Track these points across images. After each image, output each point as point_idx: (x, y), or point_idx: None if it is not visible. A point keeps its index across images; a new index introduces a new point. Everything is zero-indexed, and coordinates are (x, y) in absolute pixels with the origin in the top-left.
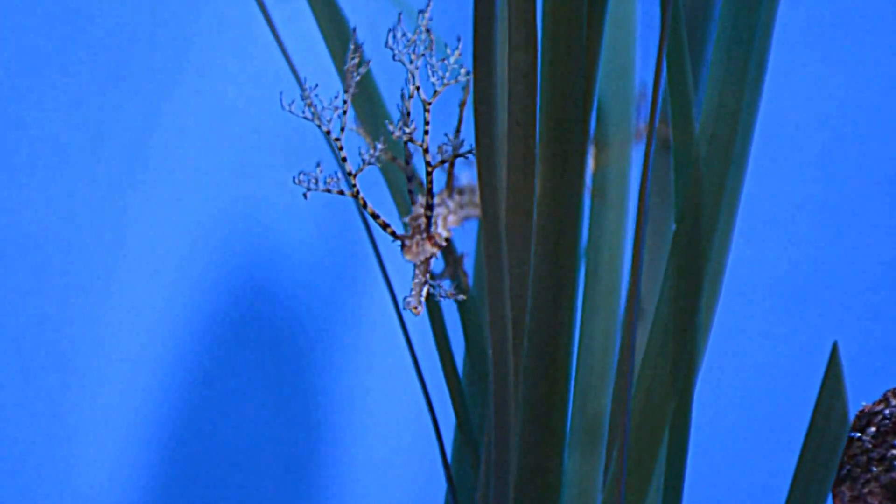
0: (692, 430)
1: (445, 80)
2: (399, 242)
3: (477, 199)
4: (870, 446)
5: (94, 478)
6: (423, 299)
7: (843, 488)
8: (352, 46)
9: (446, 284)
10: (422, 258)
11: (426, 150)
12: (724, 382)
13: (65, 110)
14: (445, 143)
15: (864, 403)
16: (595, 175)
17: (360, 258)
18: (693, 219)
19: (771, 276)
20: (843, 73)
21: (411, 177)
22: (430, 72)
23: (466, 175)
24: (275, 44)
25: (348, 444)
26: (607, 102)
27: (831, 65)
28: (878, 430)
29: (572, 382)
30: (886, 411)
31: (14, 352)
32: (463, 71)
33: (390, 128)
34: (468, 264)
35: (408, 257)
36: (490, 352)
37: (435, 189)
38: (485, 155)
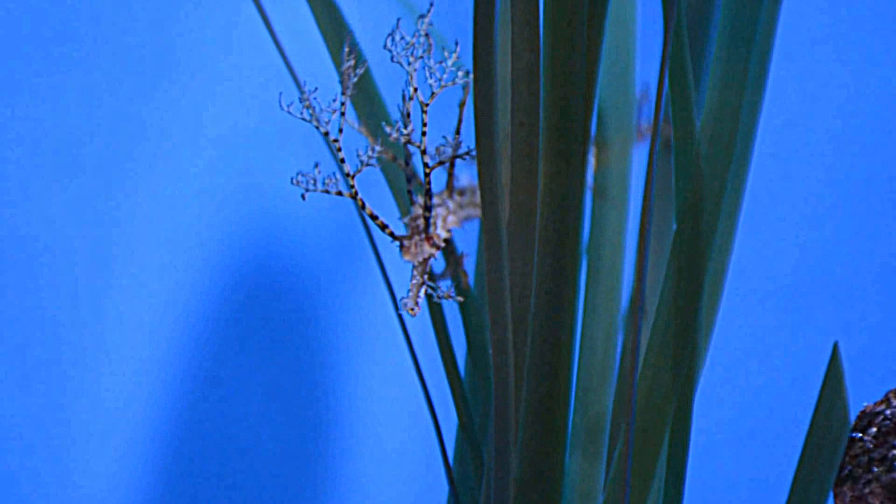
0: (693, 431)
1: (443, 82)
2: (398, 243)
3: (478, 199)
4: (871, 447)
5: (99, 478)
6: (420, 300)
7: (845, 488)
8: (346, 48)
9: (445, 285)
10: (420, 259)
11: (424, 152)
12: (724, 382)
13: (68, 111)
14: (443, 145)
15: (865, 404)
16: (596, 174)
17: (364, 259)
18: (694, 218)
19: (772, 276)
20: (846, 74)
21: (411, 177)
22: (427, 74)
23: (467, 175)
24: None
25: (350, 445)
26: (608, 102)
27: (834, 65)
28: (879, 431)
29: (574, 382)
30: (888, 412)
31: (17, 352)
32: (461, 74)
33: (388, 130)
34: (469, 264)
35: (406, 258)
36: (491, 352)
37: (435, 190)
38: (485, 155)
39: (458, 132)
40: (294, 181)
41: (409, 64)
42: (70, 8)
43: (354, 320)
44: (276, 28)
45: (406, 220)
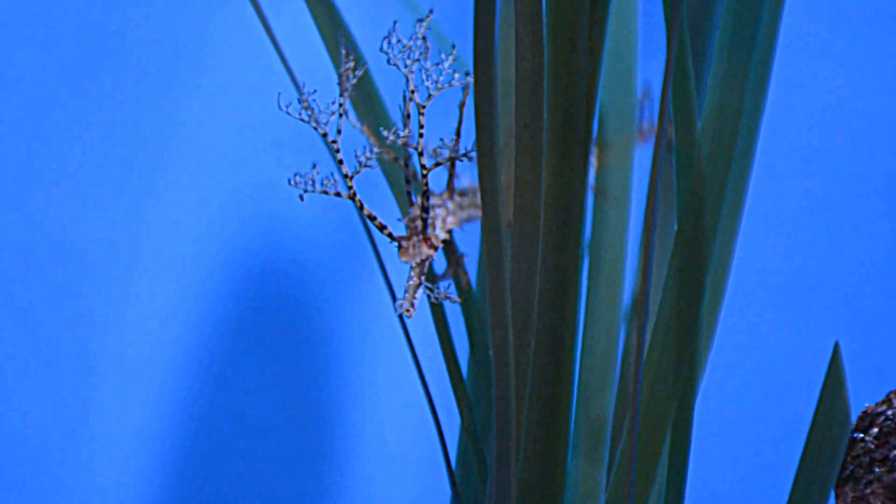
0: (694, 431)
1: (440, 85)
2: (396, 244)
3: (478, 200)
4: (872, 447)
5: (109, 475)
6: (416, 301)
7: (846, 489)
8: (344, 50)
9: (443, 286)
10: (418, 260)
11: (421, 153)
12: (725, 382)
13: (70, 113)
14: (440, 146)
15: (866, 404)
16: (598, 175)
17: (367, 260)
18: (695, 219)
19: (773, 276)
20: (848, 75)
21: (410, 178)
22: (424, 76)
23: (469, 177)
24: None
25: (354, 447)
26: (609, 102)
27: (837, 66)
28: (880, 431)
29: (576, 383)
30: (889, 412)
31: (30, 350)
32: (457, 76)
33: (384, 132)
34: (471, 265)
35: (404, 259)
36: (492, 353)
37: (436, 191)
38: (486, 156)
39: (457, 133)
40: (292, 182)
41: (405, 66)
42: (86, 19)
43: (359, 322)
44: (276, 29)
45: (405, 220)
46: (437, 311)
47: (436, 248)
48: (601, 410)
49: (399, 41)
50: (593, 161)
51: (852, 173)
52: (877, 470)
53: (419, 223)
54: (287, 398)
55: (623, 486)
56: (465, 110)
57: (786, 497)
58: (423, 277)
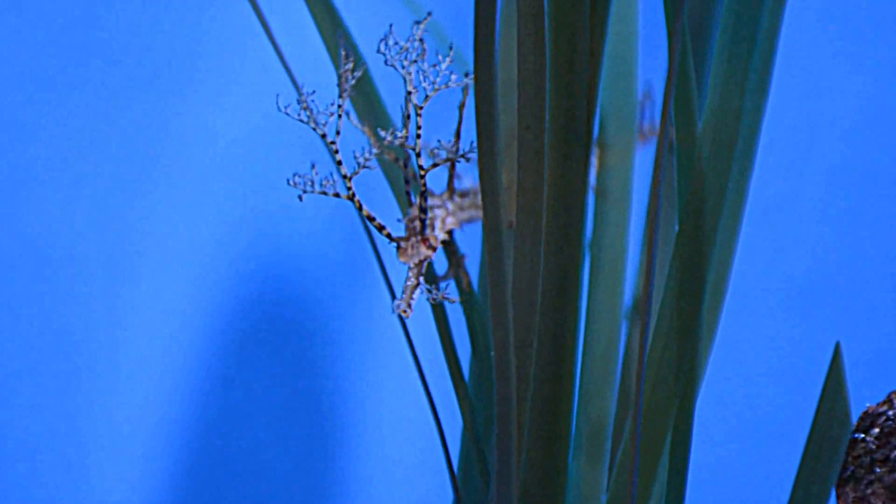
0: (694, 431)
1: (437, 86)
2: (395, 244)
3: (479, 201)
4: (874, 447)
5: (112, 476)
6: (413, 302)
7: (847, 489)
8: (343, 52)
9: (442, 286)
10: (416, 260)
11: (419, 154)
12: (726, 382)
13: (83, 119)
14: (437, 147)
15: (867, 405)
16: (599, 175)
17: (370, 261)
18: (696, 219)
19: (774, 276)
20: (850, 75)
21: (410, 179)
22: (421, 77)
23: (471, 178)
24: (289, 49)
25: (355, 449)
26: (610, 102)
27: (839, 67)
28: (881, 432)
29: (577, 384)
30: (890, 412)
31: (34, 352)
32: (453, 77)
33: (382, 133)
34: (472, 265)
35: (402, 259)
36: (493, 353)
37: (436, 191)
38: (486, 157)
39: (457, 134)
40: (291, 182)
41: (403, 68)
42: (85, 21)
43: (361, 323)
44: (277, 30)
45: (404, 221)
46: (439, 312)
47: (434, 249)
48: (602, 411)
49: (396, 43)
50: (594, 162)
51: (853, 174)
52: (878, 470)
53: (418, 224)
54: (289, 400)
55: (624, 486)
56: (465, 111)
57: (786, 497)
58: (421, 278)
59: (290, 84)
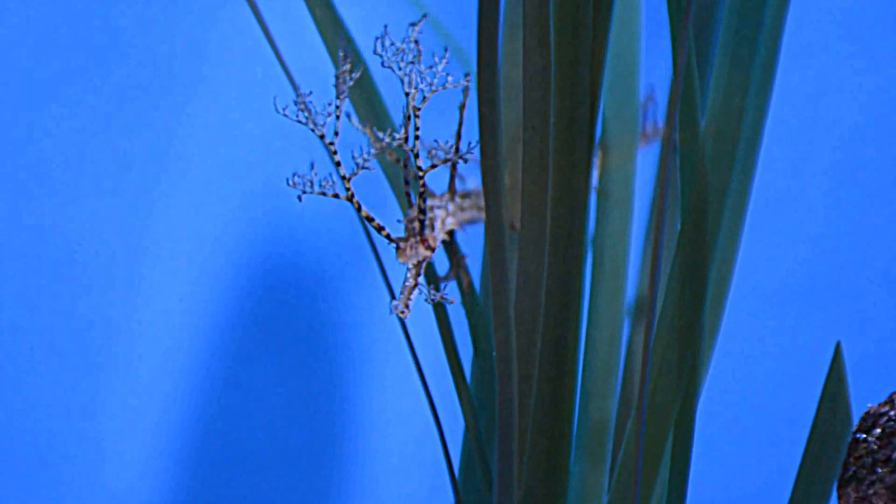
0: (696, 431)
1: (434, 87)
2: (394, 245)
3: (482, 202)
4: (875, 448)
5: (117, 474)
6: (410, 303)
7: (849, 490)
8: (341, 53)
9: (442, 287)
10: (415, 261)
11: (417, 155)
12: (727, 382)
13: (84, 120)
14: (435, 147)
15: (869, 405)
16: (601, 176)
17: (371, 262)
18: (698, 219)
19: (776, 276)
20: (852, 75)
21: (410, 180)
22: (418, 79)
23: (475, 179)
24: (289, 50)
25: (358, 451)
26: (613, 104)
27: (842, 67)
28: (883, 432)
29: (578, 385)
30: (892, 413)
31: (39, 351)
32: (450, 79)
33: (380, 134)
34: (474, 266)
35: (401, 260)
36: (495, 354)
37: (437, 192)
38: (489, 158)
39: (458, 135)
40: (290, 182)
41: (400, 69)
42: (94, 28)
43: (363, 325)
44: (277, 31)
45: (404, 221)
46: (440, 312)
47: (433, 250)
48: (604, 412)
49: (392, 44)
50: (596, 163)
51: (855, 174)
52: (879, 471)
53: (417, 224)
54: (290, 401)
55: (625, 487)
56: (465, 112)
57: (787, 497)
58: (419, 279)
59: (290, 85)
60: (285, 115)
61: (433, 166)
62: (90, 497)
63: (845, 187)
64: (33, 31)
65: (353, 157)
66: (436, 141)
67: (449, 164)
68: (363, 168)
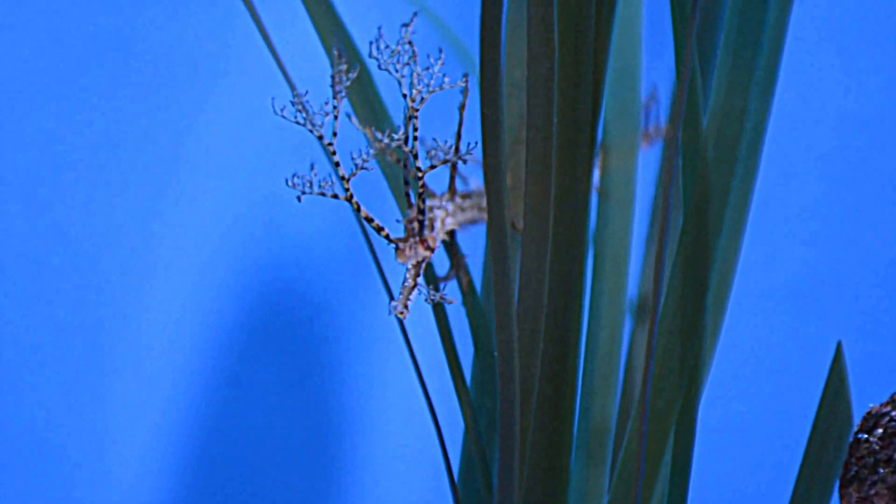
0: (697, 431)
1: (431, 88)
2: (394, 245)
3: (483, 203)
4: (877, 448)
5: (119, 474)
6: (409, 303)
7: (851, 490)
8: (336, 53)
9: (442, 287)
10: (414, 261)
11: (416, 156)
12: (727, 382)
13: (84, 121)
14: (434, 148)
15: (871, 405)
16: (603, 177)
17: (371, 263)
18: (699, 219)
19: (777, 276)
20: (854, 76)
21: (410, 180)
22: (416, 80)
23: (476, 179)
24: (289, 51)
25: (358, 452)
26: (614, 105)
27: (845, 68)
28: (885, 432)
29: (579, 385)
30: (894, 413)
31: (42, 352)
32: (446, 80)
33: (378, 135)
34: (474, 266)
35: (400, 260)
36: (496, 354)
37: (438, 192)
38: (491, 158)
39: (458, 136)
40: (290, 183)
41: (396, 71)
42: (103, 32)
43: (363, 326)
44: (275, 32)
45: (403, 222)
46: (440, 314)
47: (432, 250)
48: (604, 412)
49: (387, 46)
50: (598, 163)
51: (857, 174)
52: (881, 471)
53: (416, 225)
54: (290, 401)
55: (626, 487)
56: (465, 112)
57: (788, 497)
58: (418, 279)
59: (288, 86)
60: (283, 117)
61: (432, 167)
62: (91, 496)
63: (847, 187)
64: (38, 37)
65: (352, 158)
66: (434, 140)
67: (449, 164)
68: (362, 168)
